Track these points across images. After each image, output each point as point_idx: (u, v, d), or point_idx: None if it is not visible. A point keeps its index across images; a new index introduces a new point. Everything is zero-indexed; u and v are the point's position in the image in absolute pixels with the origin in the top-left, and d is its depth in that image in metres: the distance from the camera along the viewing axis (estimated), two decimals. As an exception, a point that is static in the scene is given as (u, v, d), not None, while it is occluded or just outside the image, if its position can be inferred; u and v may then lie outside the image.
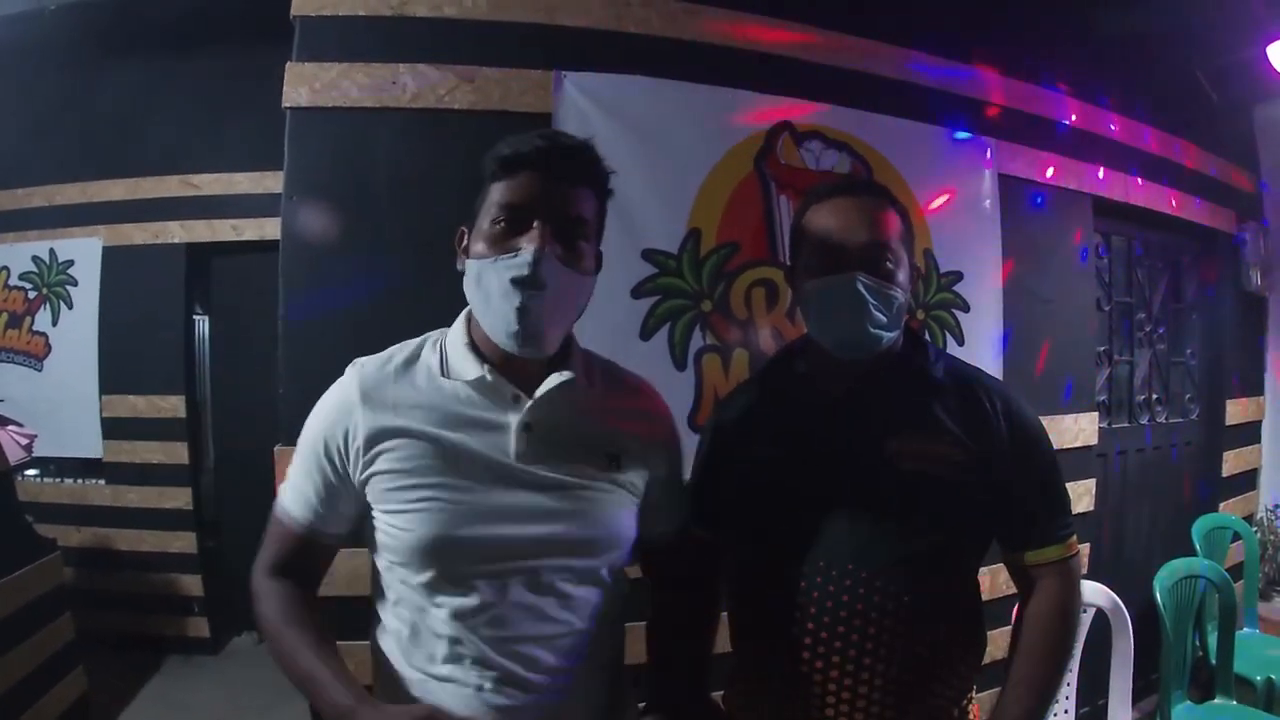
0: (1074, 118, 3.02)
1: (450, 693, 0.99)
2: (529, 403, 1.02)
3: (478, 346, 1.05)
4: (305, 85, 1.91)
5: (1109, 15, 2.93)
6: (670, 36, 2.17)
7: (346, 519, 1.06)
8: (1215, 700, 2.62)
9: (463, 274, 1.04)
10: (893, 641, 1.13)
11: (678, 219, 2.14)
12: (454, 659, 1.00)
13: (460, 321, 1.08)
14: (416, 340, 1.11)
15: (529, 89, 2.02)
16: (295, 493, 1.06)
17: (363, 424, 1.00)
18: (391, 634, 1.06)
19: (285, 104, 1.92)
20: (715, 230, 2.17)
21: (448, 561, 0.98)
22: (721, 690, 1.37)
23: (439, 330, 1.11)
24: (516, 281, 0.96)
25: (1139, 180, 3.26)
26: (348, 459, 1.02)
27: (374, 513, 1.03)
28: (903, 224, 1.20)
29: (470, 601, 0.99)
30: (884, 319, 1.14)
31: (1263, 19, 3.03)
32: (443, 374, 1.04)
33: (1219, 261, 3.82)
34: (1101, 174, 3.09)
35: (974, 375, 1.26)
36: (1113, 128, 3.17)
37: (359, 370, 1.05)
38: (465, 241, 1.06)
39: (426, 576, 0.99)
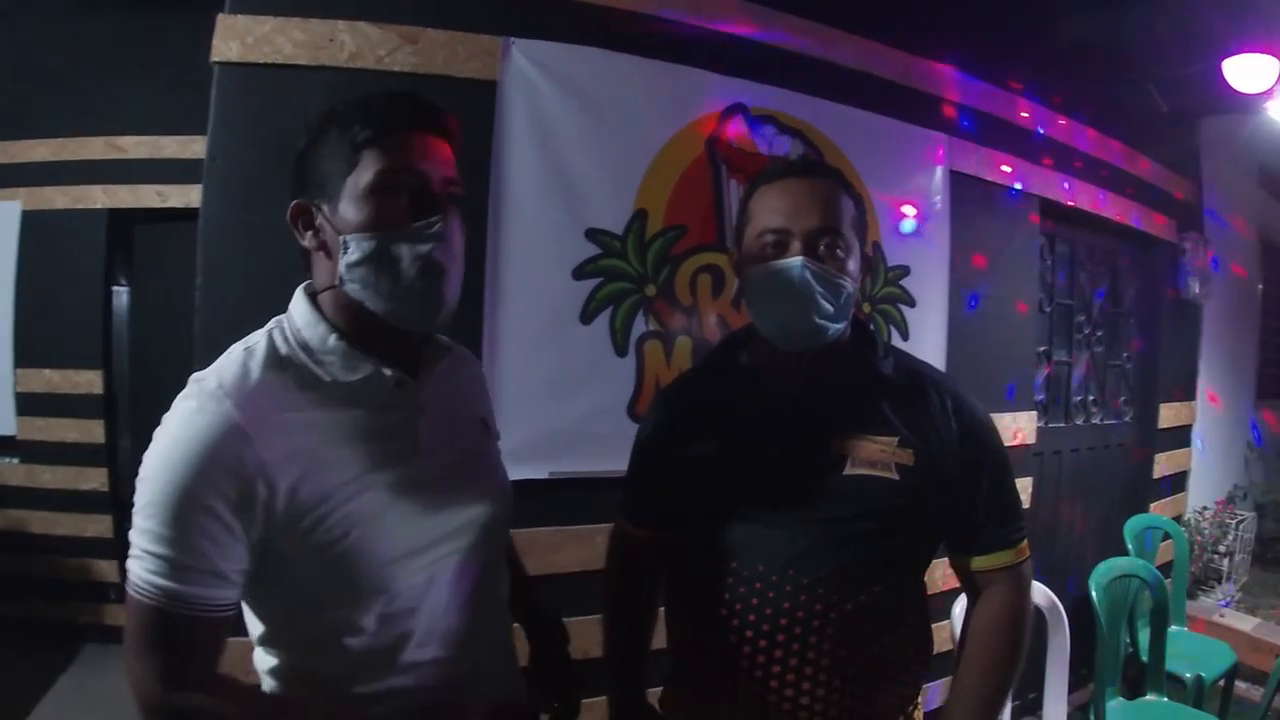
0: (1027, 120, 3.05)
1: (393, 704, 0.94)
2: (417, 386, 0.97)
3: (350, 336, 0.93)
4: (237, 40, 1.80)
5: (1070, 22, 2.95)
6: (626, 9, 2.09)
7: (236, 574, 0.84)
8: (1147, 697, 2.67)
9: (314, 251, 0.94)
10: (836, 649, 1.08)
11: (624, 198, 2.06)
12: (392, 670, 0.93)
13: (308, 311, 0.94)
14: (259, 343, 0.92)
15: (475, 54, 1.93)
16: (158, 562, 0.80)
17: (267, 460, 0.83)
18: (299, 681, 0.95)
19: (214, 58, 1.80)
20: (662, 212, 2.11)
21: (395, 570, 0.90)
22: (657, 688, 1.33)
23: (274, 324, 0.95)
24: (438, 253, 0.90)
25: (1085, 184, 3.32)
26: (250, 505, 0.82)
27: (288, 563, 0.86)
28: (856, 210, 1.15)
29: (405, 605, 0.92)
30: (831, 309, 1.09)
31: (1218, 34, 3.09)
32: (322, 376, 0.91)
33: (1158, 268, 3.91)
34: (1050, 176, 3.12)
35: (924, 371, 1.22)
36: (1063, 131, 3.22)
37: (224, 394, 0.84)
38: (313, 217, 0.93)
39: (371, 597, 0.89)
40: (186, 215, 3.21)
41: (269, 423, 0.84)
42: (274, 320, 0.96)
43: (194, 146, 3.32)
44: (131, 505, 0.82)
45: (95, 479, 3.60)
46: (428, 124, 0.92)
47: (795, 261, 1.07)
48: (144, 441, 0.84)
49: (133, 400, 3.75)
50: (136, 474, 0.82)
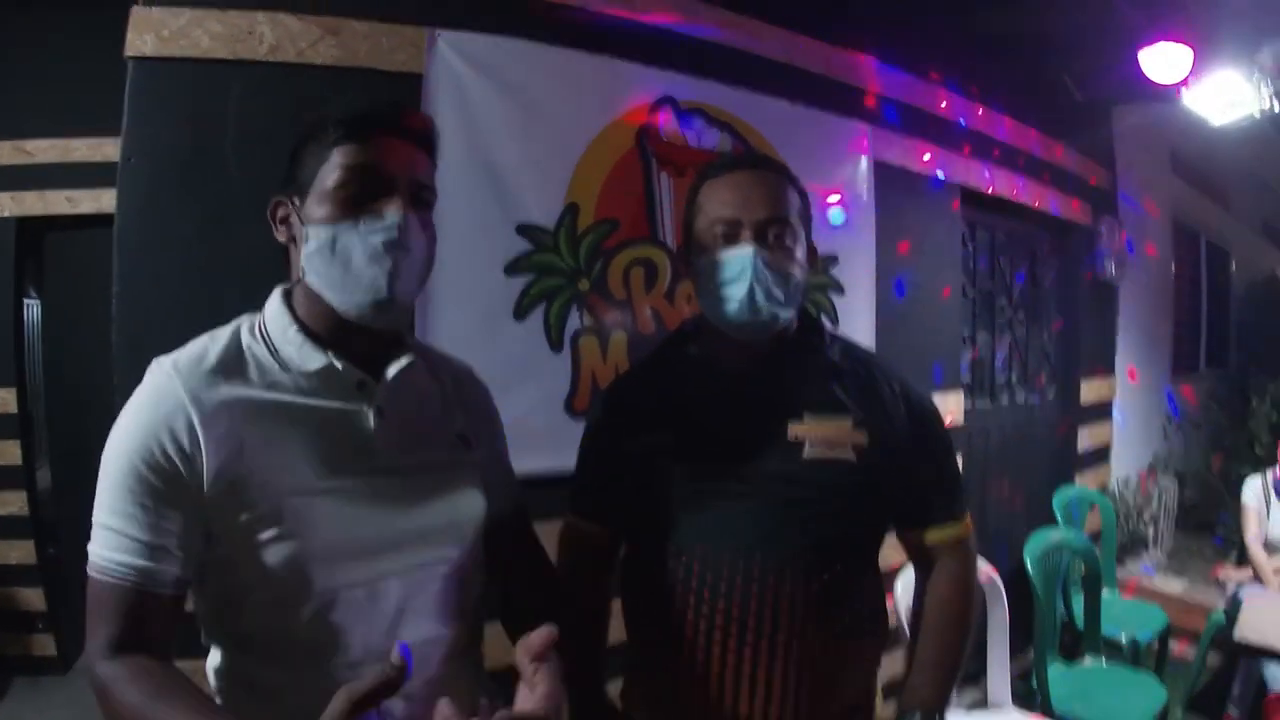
0: (947, 110, 3.14)
1: None
2: (378, 387, 0.96)
3: (311, 331, 0.95)
4: (152, 33, 1.73)
5: (987, 14, 3.04)
6: (553, 1, 2.08)
7: (187, 556, 0.86)
8: (1086, 660, 2.78)
9: (286, 244, 0.97)
10: (804, 630, 1.10)
11: (555, 193, 2.05)
12: (330, 684, 0.89)
13: (278, 305, 0.97)
14: (225, 331, 0.96)
15: (399, 46, 1.89)
16: (116, 537, 0.83)
17: (202, 436, 0.85)
18: (241, 686, 0.93)
19: (128, 53, 1.73)
20: (594, 206, 2.10)
21: (326, 573, 0.88)
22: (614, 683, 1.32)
23: (247, 316, 0.99)
24: (388, 245, 0.90)
25: (1004, 172, 3.43)
26: (183, 479, 0.84)
27: (221, 546, 0.87)
28: (801, 202, 1.18)
29: (339, 616, 0.89)
30: (782, 296, 1.11)
31: (1132, 26, 3.22)
32: (278, 366, 0.93)
33: (1075, 251, 4.07)
34: (970, 165, 3.22)
35: (869, 357, 1.26)
36: (982, 121, 3.32)
37: (174, 371, 0.88)
38: (287, 212, 0.95)
39: (297, 597, 0.87)
40: (99, 221, 3.05)
41: (213, 403, 0.87)
42: (248, 314, 0.99)
43: (105, 149, 3.16)
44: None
45: (14, 503, 3.37)
46: (402, 127, 0.95)
47: (747, 250, 1.10)
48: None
49: (49, 418, 3.58)
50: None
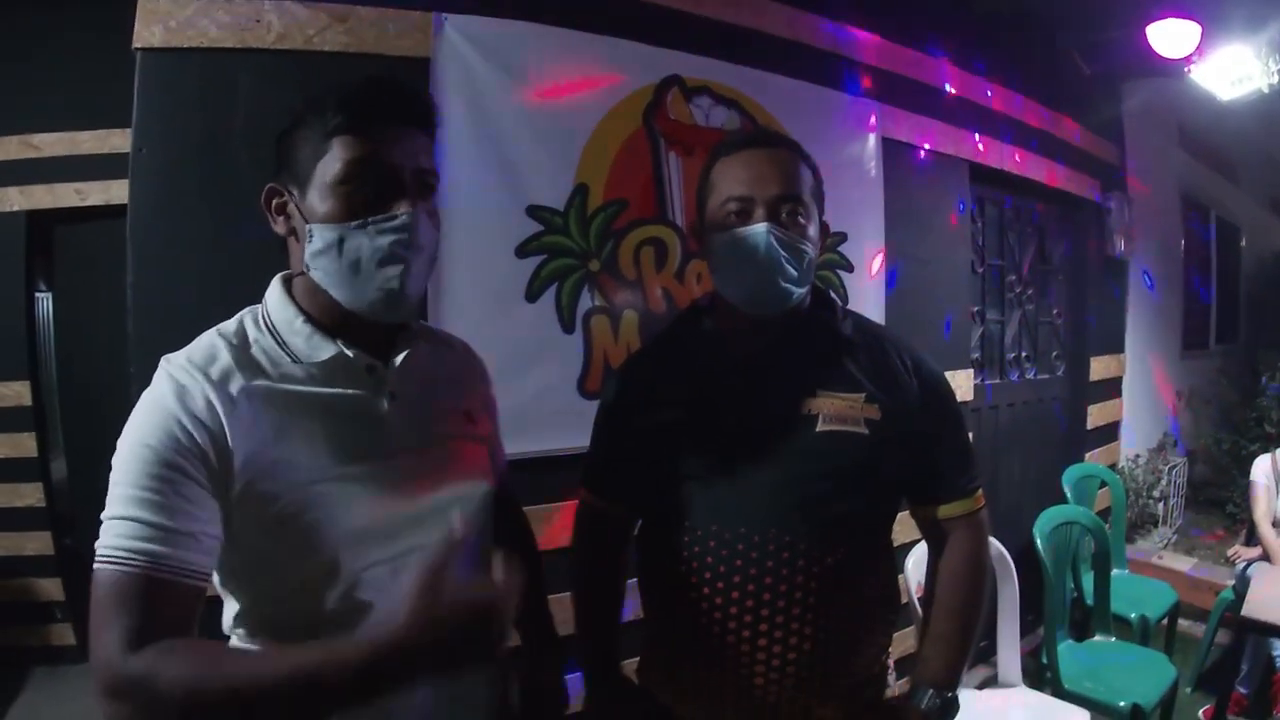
0: (954, 86, 3.12)
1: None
2: (388, 372, 0.97)
3: (317, 320, 0.94)
4: (159, 24, 1.73)
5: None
6: (558, -18, 2.07)
7: (211, 541, 0.82)
8: (1096, 638, 2.78)
9: (285, 237, 0.95)
10: (818, 605, 1.11)
11: (564, 174, 2.05)
12: None
13: (280, 296, 0.95)
14: (230, 326, 0.94)
15: (406, 31, 1.89)
16: (136, 526, 0.77)
17: (228, 429, 0.83)
18: None
19: (136, 44, 1.73)
20: (603, 186, 2.10)
21: (351, 556, 0.89)
22: (629, 659, 1.34)
23: (248, 309, 0.97)
24: (399, 245, 0.89)
25: (1013, 148, 3.41)
26: (213, 465, 0.82)
27: (247, 534, 0.85)
28: (814, 179, 1.18)
29: (366, 595, 0.90)
30: (795, 273, 1.12)
31: (1141, 1, 3.19)
32: (289, 358, 0.92)
33: (1084, 227, 4.04)
34: (978, 141, 3.20)
35: (881, 331, 1.27)
36: (990, 97, 3.30)
37: (190, 367, 0.86)
38: (284, 201, 0.93)
39: (323, 581, 0.88)
40: (108, 213, 3.12)
41: (235, 397, 0.86)
42: (249, 307, 0.97)
43: (113, 140, 3.19)
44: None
45: (30, 495, 3.40)
46: (403, 112, 0.92)
47: (760, 227, 1.10)
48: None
49: (63, 411, 3.60)
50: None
